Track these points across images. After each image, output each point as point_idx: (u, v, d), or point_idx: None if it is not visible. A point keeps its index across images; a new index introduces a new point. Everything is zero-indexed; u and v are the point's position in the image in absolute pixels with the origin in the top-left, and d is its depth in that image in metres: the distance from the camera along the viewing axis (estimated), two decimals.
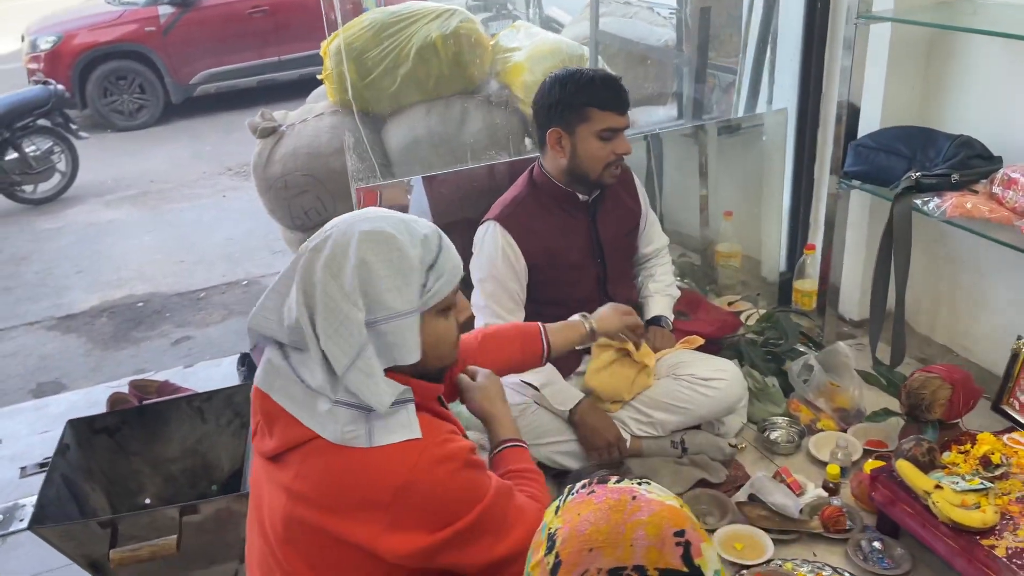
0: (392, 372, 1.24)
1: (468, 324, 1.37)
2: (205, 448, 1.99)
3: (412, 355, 1.22)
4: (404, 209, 2.45)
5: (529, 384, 2.12)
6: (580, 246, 2.20)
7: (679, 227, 3.46)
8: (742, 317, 2.84)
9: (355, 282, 1.17)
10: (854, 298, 2.85)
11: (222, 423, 2.00)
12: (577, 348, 1.92)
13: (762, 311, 2.76)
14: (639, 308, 2.45)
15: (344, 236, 1.21)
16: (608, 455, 2.12)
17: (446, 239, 1.30)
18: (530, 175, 2.21)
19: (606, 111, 2.03)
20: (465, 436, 1.35)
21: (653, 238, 2.45)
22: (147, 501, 1.90)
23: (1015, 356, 2.01)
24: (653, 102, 3.33)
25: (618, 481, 0.92)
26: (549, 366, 2.16)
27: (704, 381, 2.16)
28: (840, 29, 2.55)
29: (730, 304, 2.91)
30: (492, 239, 2.13)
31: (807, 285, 2.82)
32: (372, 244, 1.19)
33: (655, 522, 0.84)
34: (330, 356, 1.18)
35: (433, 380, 1.33)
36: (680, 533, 0.82)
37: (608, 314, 1.91)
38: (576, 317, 1.88)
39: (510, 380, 2.13)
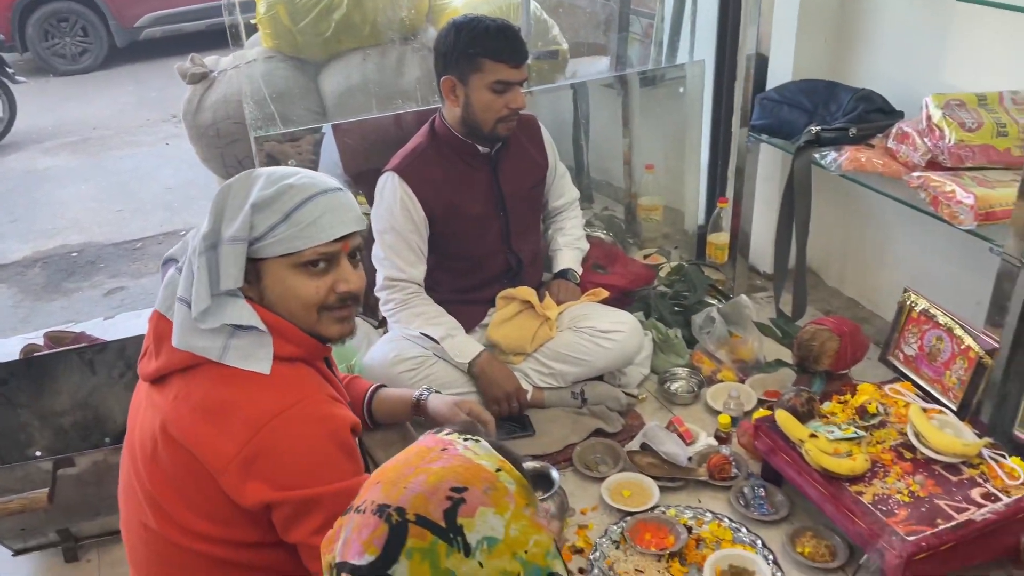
0: (266, 311, 1.26)
1: (355, 299, 1.34)
2: (96, 401, 1.94)
3: (226, 283, 1.23)
4: (314, 161, 2.42)
5: (429, 336, 2.10)
6: (481, 199, 2.16)
7: (604, 179, 3.43)
8: (658, 270, 2.84)
9: (211, 204, 1.24)
10: (765, 251, 2.85)
11: (114, 375, 1.96)
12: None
13: (674, 264, 2.75)
14: (548, 261, 2.43)
15: (261, 174, 1.28)
16: (508, 406, 2.12)
17: (331, 200, 1.27)
18: (431, 125, 2.15)
19: (499, 62, 1.97)
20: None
21: (563, 191, 2.41)
22: (37, 454, 1.87)
23: (901, 309, 2.02)
24: (595, 52, 3.27)
25: (448, 434, 0.91)
26: (450, 319, 2.15)
27: (603, 333, 2.16)
28: None
29: (646, 257, 2.90)
30: (391, 190, 2.09)
31: (720, 238, 2.81)
32: (247, 178, 1.27)
33: (440, 473, 0.82)
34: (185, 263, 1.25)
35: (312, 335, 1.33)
36: (460, 490, 0.81)
37: (441, 407, 1.71)
38: (414, 392, 1.75)
39: (410, 332, 2.12)
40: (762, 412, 2.05)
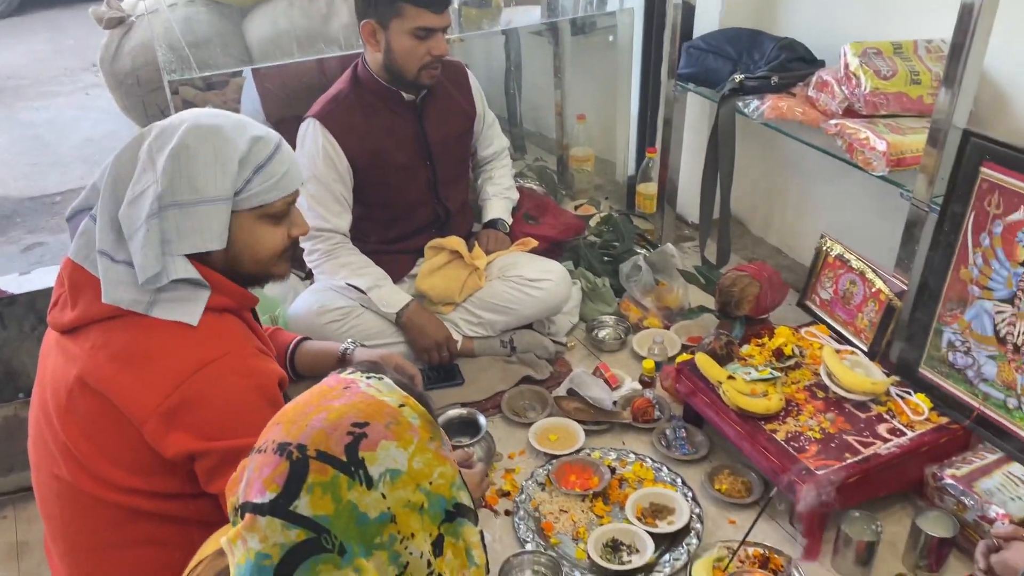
0: (200, 264, 1.23)
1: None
2: (8, 355, 1.87)
3: (215, 242, 1.22)
4: (236, 111, 2.34)
5: (355, 287, 2.07)
6: (407, 147, 2.12)
7: (537, 130, 3.41)
8: (588, 220, 2.85)
9: (169, 164, 1.18)
10: (692, 201, 2.88)
11: (25, 329, 1.88)
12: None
13: (604, 214, 2.76)
14: (477, 211, 2.42)
15: (174, 123, 1.23)
16: (438, 355, 2.12)
17: (288, 148, 1.31)
18: (354, 71, 2.09)
19: (421, 8, 1.91)
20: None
21: (492, 140, 2.39)
22: None
23: (818, 254, 2.08)
24: (529, 1, 3.21)
25: (351, 372, 0.90)
26: (377, 269, 2.12)
27: (531, 282, 2.16)
28: None
29: (577, 208, 2.91)
30: (312, 138, 2.03)
31: (649, 188, 2.83)
32: (198, 132, 1.21)
33: (342, 410, 0.82)
34: (123, 222, 1.19)
35: (248, 285, 1.33)
36: (361, 425, 0.80)
37: (365, 357, 1.72)
38: (339, 345, 1.74)
39: (335, 283, 2.09)
40: (685, 357, 2.09)
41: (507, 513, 1.80)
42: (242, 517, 0.80)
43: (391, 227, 2.20)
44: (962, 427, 1.71)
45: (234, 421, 1.19)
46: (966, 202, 1.64)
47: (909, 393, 1.81)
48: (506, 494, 1.85)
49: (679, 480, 1.84)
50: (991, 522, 1.56)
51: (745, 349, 1.96)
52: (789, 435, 1.74)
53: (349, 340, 1.76)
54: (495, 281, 2.20)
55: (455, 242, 2.21)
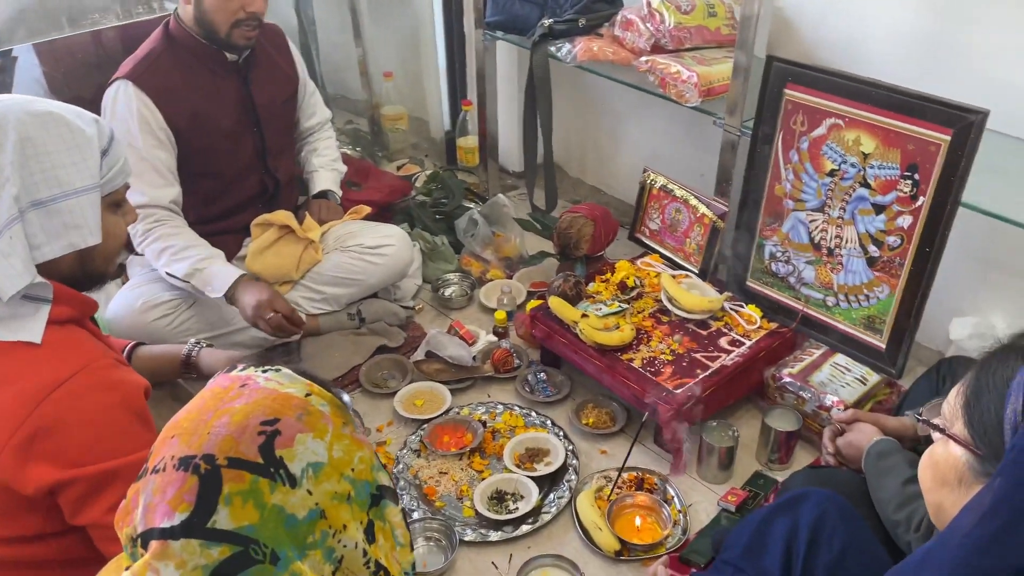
0: (41, 273, 1.10)
1: None
2: None
3: (94, 235, 1.12)
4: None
5: (175, 276, 1.89)
6: (233, 112, 1.96)
7: (341, 92, 3.28)
8: (413, 180, 2.80)
9: (14, 158, 1.06)
10: (511, 149, 2.92)
11: None
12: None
13: (429, 173, 2.72)
14: (303, 185, 2.30)
15: (3, 113, 1.08)
16: (282, 328, 1.96)
17: (117, 131, 1.23)
18: (166, 28, 1.89)
19: None
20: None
21: (315, 110, 2.26)
22: None
23: (642, 188, 2.17)
24: None
25: (242, 370, 0.83)
26: (200, 248, 1.91)
27: (372, 249, 2.09)
28: None
29: (399, 168, 2.85)
30: (124, 102, 1.81)
31: (469, 142, 2.83)
32: (38, 122, 1.09)
33: (246, 410, 0.75)
34: None
35: (86, 288, 1.20)
36: (271, 422, 0.74)
37: (218, 361, 1.61)
38: (181, 347, 1.61)
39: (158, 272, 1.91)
40: (534, 303, 2.13)
41: None
42: (145, 547, 0.71)
43: (214, 203, 2.02)
44: (791, 330, 1.88)
45: (100, 442, 1.06)
46: (774, 123, 1.77)
47: (741, 306, 1.95)
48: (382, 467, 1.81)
49: (548, 422, 1.88)
50: (828, 410, 1.73)
51: (591, 287, 2.02)
52: (644, 361, 1.82)
53: (192, 340, 1.62)
54: (333, 253, 2.11)
55: (284, 216, 2.08)
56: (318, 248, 2.10)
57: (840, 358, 1.83)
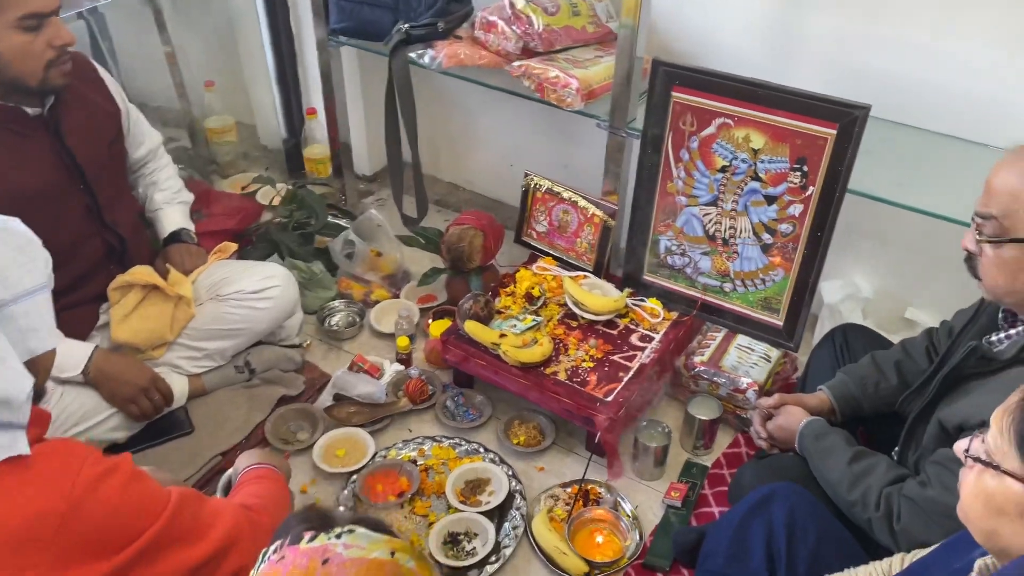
0: None
1: None
2: None
3: (51, 338, 1.07)
4: None
5: None
6: (48, 174, 1.65)
7: (157, 111, 2.92)
8: (259, 198, 2.57)
9: None
10: (365, 153, 2.76)
11: None
12: None
13: (280, 187, 2.50)
14: (150, 224, 2.02)
15: None
16: (149, 404, 1.75)
17: None
18: None
19: None
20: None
21: (143, 137, 1.96)
22: None
23: (526, 191, 2.13)
24: None
25: (313, 538, 0.72)
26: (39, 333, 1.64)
27: (255, 295, 1.88)
28: None
29: (244, 188, 2.60)
30: None
31: (317, 151, 2.63)
32: None
33: None
34: None
35: None
36: None
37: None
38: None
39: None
40: (438, 324, 2.05)
41: None
42: None
43: (54, 277, 1.73)
44: (692, 317, 1.95)
45: (132, 520, 1.02)
46: (663, 125, 1.79)
47: (643, 300, 1.99)
48: None
49: (480, 448, 1.83)
50: (743, 392, 1.82)
51: (498, 302, 1.97)
52: (568, 372, 1.81)
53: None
54: (209, 304, 1.88)
55: (143, 273, 1.82)
56: (190, 302, 1.86)
57: (743, 339, 1.93)
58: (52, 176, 1.67)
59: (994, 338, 1.29)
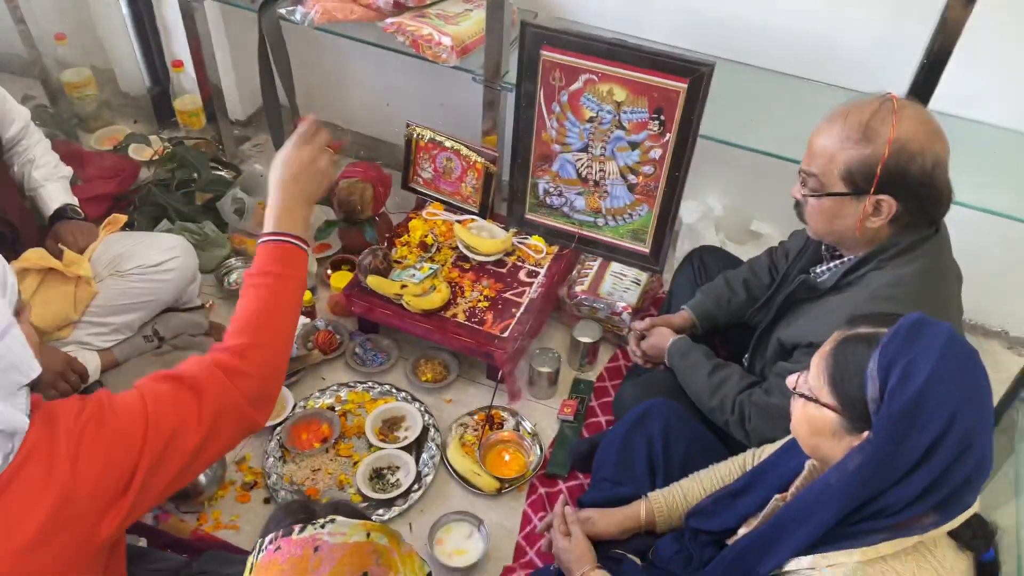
0: None
1: None
2: None
3: (35, 366, 1.05)
4: None
5: None
6: None
7: (7, 69, 2.75)
8: (131, 154, 2.53)
9: None
10: (236, 98, 2.72)
11: None
12: None
13: (153, 140, 2.46)
14: (32, 204, 1.99)
15: None
16: (68, 385, 1.79)
17: None
18: None
19: None
20: None
21: (12, 114, 1.90)
22: None
23: (409, 141, 2.21)
24: None
25: (302, 530, 0.88)
26: None
27: (156, 267, 1.92)
28: None
29: (116, 147, 2.53)
30: None
31: (187, 103, 2.58)
32: None
33: (337, 573, 0.82)
34: None
35: None
36: None
37: None
38: None
39: None
40: (339, 276, 2.15)
41: (267, 501, 1.79)
42: None
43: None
44: (571, 250, 2.15)
45: (122, 454, 1.05)
46: (534, 81, 1.92)
47: (527, 237, 2.17)
48: (252, 485, 1.82)
49: (391, 388, 1.99)
50: (619, 314, 2.06)
51: (395, 253, 2.09)
52: (467, 313, 1.99)
53: None
54: (111, 280, 1.90)
55: (37, 256, 1.81)
56: (90, 280, 1.88)
57: (616, 267, 2.15)
58: None
59: (819, 269, 1.55)
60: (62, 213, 1.96)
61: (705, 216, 2.30)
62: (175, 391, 1.12)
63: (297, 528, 0.88)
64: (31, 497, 0.99)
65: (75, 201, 2.00)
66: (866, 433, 1.00)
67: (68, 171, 2.02)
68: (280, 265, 1.27)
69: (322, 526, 0.87)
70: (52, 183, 1.97)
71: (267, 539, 0.89)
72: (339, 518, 0.89)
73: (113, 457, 1.04)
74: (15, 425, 1.00)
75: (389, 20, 2.01)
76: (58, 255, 1.87)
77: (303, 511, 0.91)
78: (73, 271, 1.85)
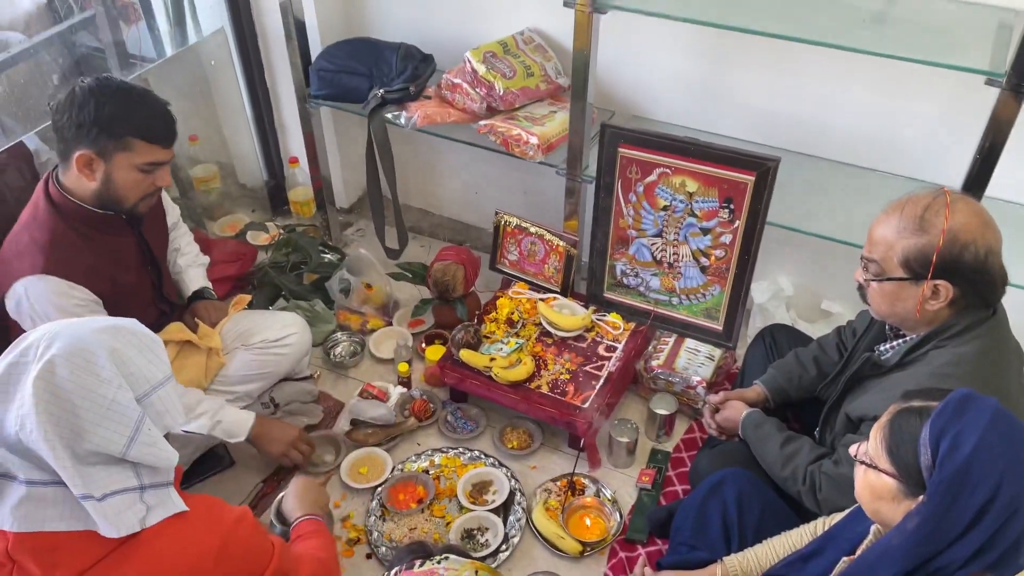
0: None
1: None
2: None
3: (181, 416, 1.26)
4: None
5: (192, 433, 1.89)
6: (134, 265, 1.93)
7: None
8: (249, 239, 2.81)
9: (113, 368, 1.16)
10: (342, 189, 3.00)
11: None
12: None
13: (270, 226, 2.73)
14: (176, 285, 2.26)
15: (77, 337, 1.17)
16: (299, 454, 2.04)
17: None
18: (49, 201, 1.76)
19: (153, 144, 1.72)
20: None
21: (170, 208, 2.21)
22: None
23: (497, 227, 2.42)
24: None
25: (421, 564, 1.02)
26: (205, 407, 1.93)
27: (277, 342, 2.14)
28: None
29: (239, 235, 2.82)
30: (48, 298, 1.71)
31: (300, 195, 2.87)
32: (112, 334, 1.20)
33: None
34: (102, 445, 1.13)
35: None
36: None
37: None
38: None
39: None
40: (433, 350, 2.33)
41: (368, 556, 1.94)
42: None
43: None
44: (647, 327, 2.29)
45: (258, 558, 1.32)
46: (613, 174, 2.10)
47: (605, 314, 2.32)
48: (356, 541, 1.97)
49: (480, 454, 2.14)
50: (694, 388, 2.17)
51: (484, 328, 2.27)
52: (550, 385, 2.14)
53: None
54: (237, 353, 2.13)
55: (177, 330, 2.06)
56: (219, 352, 2.12)
57: (691, 343, 2.27)
58: (140, 268, 1.96)
59: (883, 347, 1.65)
60: (200, 294, 2.22)
61: (776, 296, 2.41)
62: (289, 549, 1.44)
63: (418, 563, 1.03)
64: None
65: (210, 285, 2.26)
66: (921, 497, 1.10)
67: (206, 260, 2.30)
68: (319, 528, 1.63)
69: (438, 562, 1.02)
70: (193, 269, 2.24)
71: (392, 572, 1.04)
72: (452, 556, 1.04)
73: (252, 549, 1.31)
74: (169, 461, 1.20)
75: (482, 122, 2.24)
76: (194, 329, 2.12)
77: (422, 550, 1.06)
78: (206, 343, 2.09)
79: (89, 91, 1.67)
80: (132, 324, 1.25)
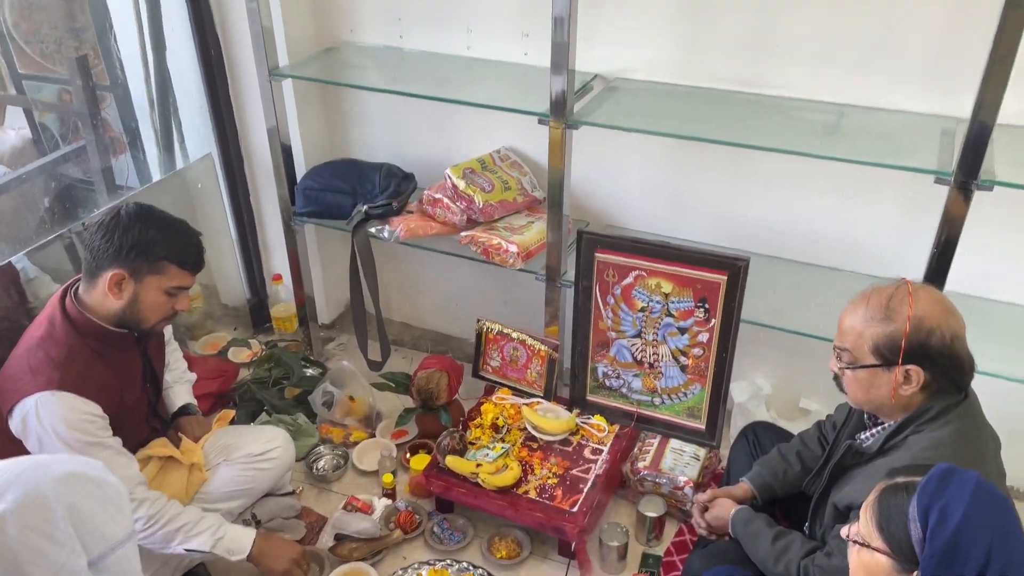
0: None
1: None
2: None
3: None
4: None
5: (194, 551, 1.86)
6: (137, 381, 1.95)
7: None
8: (231, 357, 2.81)
9: (68, 528, 1.10)
10: (324, 305, 3.04)
11: None
12: None
13: (254, 344, 2.75)
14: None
15: (33, 489, 1.10)
16: (303, 573, 1.98)
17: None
18: (66, 318, 1.79)
19: (185, 270, 1.81)
20: None
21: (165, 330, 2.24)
22: None
23: (479, 334, 2.46)
24: None
25: None
26: (205, 524, 1.88)
27: (259, 457, 2.11)
28: (242, 79, 2.61)
29: (219, 353, 2.83)
30: (58, 413, 1.70)
31: (283, 311, 2.91)
32: (74, 485, 1.13)
33: None
34: None
35: None
36: None
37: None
38: None
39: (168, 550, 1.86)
40: (418, 460, 2.32)
41: None
42: None
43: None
44: (631, 428, 2.30)
45: None
46: (591, 278, 2.18)
47: (589, 417, 2.33)
48: None
49: (469, 566, 2.09)
50: (681, 488, 2.16)
51: (469, 434, 2.27)
52: (538, 489, 2.12)
53: None
54: (220, 468, 2.10)
55: (161, 446, 2.04)
56: (202, 467, 2.08)
57: (675, 443, 2.28)
58: (141, 385, 1.98)
59: (864, 435, 1.68)
60: (184, 410, 2.21)
61: (755, 395, 2.45)
62: None
63: None
64: None
65: (195, 401, 2.26)
66: (916, 572, 1.10)
67: (192, 376, 2.30)
68: None
69: None
70: (180, 385, 2.24)
71: None
72: None
73: None
74: None
75: (463, 233, 2.33)
76: (177, 444, 2.09)
77: None
78: (188, 458, 2.06)
79: (136, 216, 1.76)
80: (97, 472, 1.19)
